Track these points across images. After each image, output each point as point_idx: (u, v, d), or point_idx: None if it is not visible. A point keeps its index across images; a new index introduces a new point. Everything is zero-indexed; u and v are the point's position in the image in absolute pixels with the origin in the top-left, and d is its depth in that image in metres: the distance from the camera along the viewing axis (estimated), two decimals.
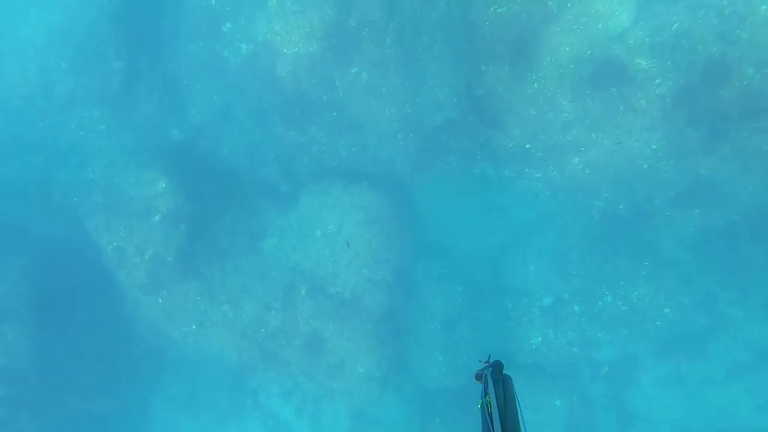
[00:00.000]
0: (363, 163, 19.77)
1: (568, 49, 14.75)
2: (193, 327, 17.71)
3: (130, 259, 16.66)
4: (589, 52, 14.57)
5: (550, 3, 13.89)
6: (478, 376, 4.53)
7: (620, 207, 17.66)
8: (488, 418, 3.74)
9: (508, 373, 4.46)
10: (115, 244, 16.71)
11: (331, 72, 17.14)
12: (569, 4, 13.94)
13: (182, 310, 17.48)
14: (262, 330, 17.73)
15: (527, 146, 17.02)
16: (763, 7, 13.41)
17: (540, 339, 18.89)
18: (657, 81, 14.15)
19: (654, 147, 15.59)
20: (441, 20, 16.29)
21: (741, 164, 14.78)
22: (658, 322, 17.75)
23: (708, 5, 13.88)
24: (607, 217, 18.18)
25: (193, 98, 20.61)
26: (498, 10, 14.39)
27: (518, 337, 19.18)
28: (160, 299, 17.25)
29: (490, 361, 4.73)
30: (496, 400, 3.88)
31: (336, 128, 18.98)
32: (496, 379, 4.22)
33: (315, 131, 19.21)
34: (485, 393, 4.10)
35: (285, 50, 16.53)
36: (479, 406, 4.07)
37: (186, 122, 20.90)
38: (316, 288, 17.54)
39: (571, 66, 14.70)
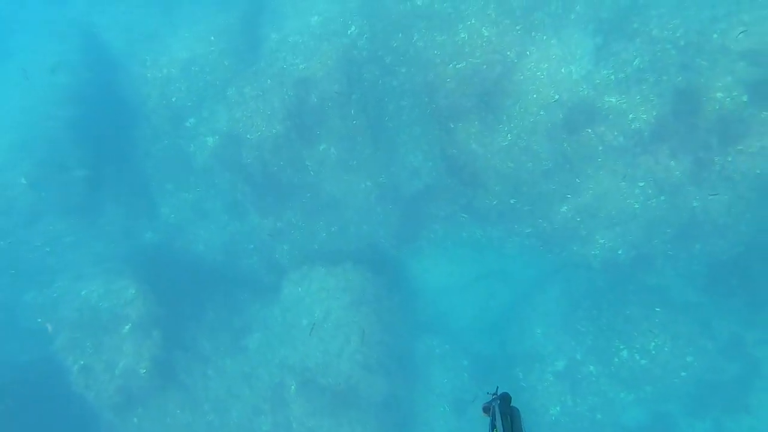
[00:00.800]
0: (345, 241, 18.90)
1: (535, 96, 14.47)
2: None
3: (98, 377, 15.13)
4: (557, 96, 14.27)
5: (508, 53, 13.75)
6: (486, 409, 4.40)
7: (619, 252, 16.67)
8: None
9: (516, 406, 4.35)
10: (81, 362, 15.24)
11: (298, 152, 16.71)
12: (528, 52, 13.81)
13: (161, 427, 15.67)
14: None
15: (511, 201, 16.31)
16: (715, 35, 13.33)
17: (559, 408, 17.11)
18: (630, 116, 13.75)
19: (641, 185, 14.92)
20: (403, 86, 16.13)
21: (732, 191, 14.05)
22: (683, 373, 16.17)
23: (663, 39, 13.82)
24: (608, 265, 17.13)
25: (165, 198, 20.00)
26: (457, 65, 14.24)
27: (535, 409, 17.38)
28: (135, 418, 15.51)
29: (498, 393, 4.58)
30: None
31: (312, 209, 18.27)
32: (504, 412, 4.12)
33: (291, 215, 18.47)
34: (493, 426, 4.01)
35: (248, 136, 16.15)
36: None
37: (159, 223, 20.13)
38: (307, 382, 15.95)
39: (542, 112, 14.35)
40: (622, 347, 16.50)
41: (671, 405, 16.72)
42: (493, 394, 4.55)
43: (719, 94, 12.86)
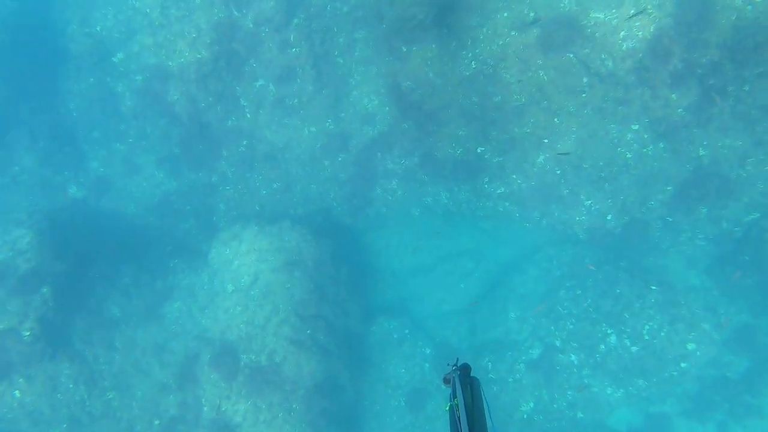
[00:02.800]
0: (290, 203, 16.23)
1: (506, 15, 11.76)
2: (64, 426, 13.12)
3: None
4: (532, 14, 11.54)
5: None
6: (446, 380, 4.29)
7: (608, 218, 13.82)
8: (456, 420, 3.65)
9: (476, 376, 4.24)
10: None
11: (230, 86, 14.14)
12: None
13: (49, 403, 13.00)
14: (156, 422, 13.11)
15: (479, 150, 13.54)
16: None
17: (533, 404, 14.17)
18: (622, 33, 10.98)
19: (635, 127, 12.12)
20: (356, 12, 13.51)
21: (749, 132, 11.19)
22: (683, 364, 13.21)
23: None
24: (595, 234, 14.27)
25: (92, 148, 17.47)
26: None
27: (504, 404, 14.46)
28: (16, 391, 12.84)
29: (458, 365, 4.43)
30: (464, 403, 3.74)
31: (250, 161, 15.64)
32: (464, 382, 4.03)
33: (226, 167, 15.86)
34: (453, 396, 3.95)
35: (170, 63, 13.57)
36: (447, 407, 3.93)
37: (85, 177, 17.60)
38: (225, 358, 13.19)
39: (513, 33, 11.61)
40: (609, 332, 13.58)
41: (667, 404, 13.74)
42: (453, 365, 4.51)
43: (737, 1, 10.07)
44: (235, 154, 15.51)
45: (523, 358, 14.70)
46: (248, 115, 14.83)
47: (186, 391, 13.24)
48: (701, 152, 12.00)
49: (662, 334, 13.07)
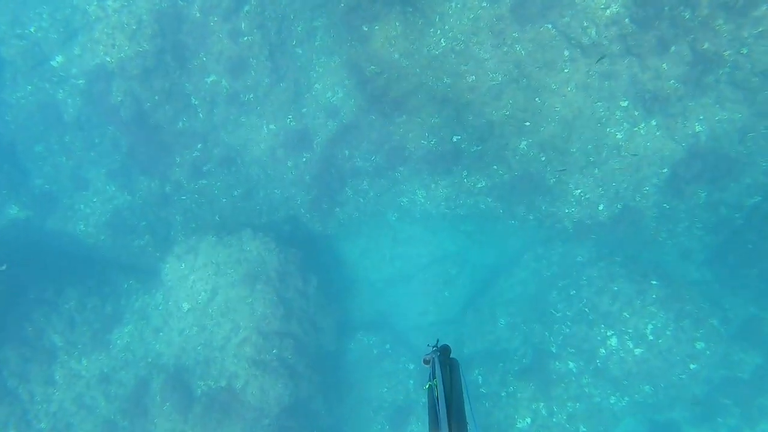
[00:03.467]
0: (254, 211, 14.78)
1: None
2: None
3: None
4: None
5: None
6: (426, 361, 4.31)
7: (600, 208, 12.61)
8: (435, 400, 3.70)
9: (455, 357, 4.26)
10: None
11: (178, 84, 12.76)
12: None
13: None
14: None
15: (455, 140, 12.29)
16: None
17: (529, 420, 12.69)
18: None
19: (624, 104, 10.99)
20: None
21: (749, 103, 10.10)
22: (692, 366, 11.89)
23: None
24: (586, 227, 13.04)
25: (35, 163, 15.89)
26: None
27: (498, 421, 12.96)
28: None
29: (438, 345, 4.49)
30: (443, 383, 3.74)
31: (205, 166, 14.21)
32: (444, 363, 4.05)
33: (179, 175, 14.39)
34: (432, 376, 3.95)
35: (108, 58, 12.18)
36: (426, 387, 3.94)
37: (27, 196, 15.97)
38: (179, 385, 11.55)
39: (485, 5, 10.47)
40: (609, 333, 12.23)
41: (676, 411, 12.39)
42: (434, 346, 4.48)
43: None
44: (189, 160, 14.07)
45: (516, 368, 13.28)
46: (201, 115, 13.45)
47: (135, 427, 11.54)
48: (697, 128, 10.89)
49: (668, 332, 11.77)
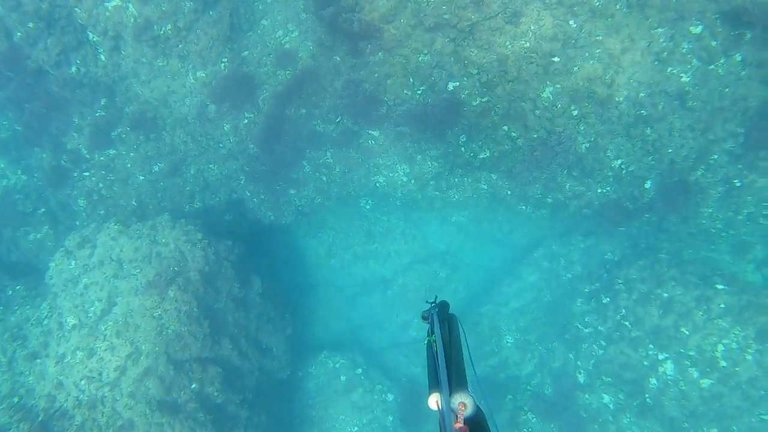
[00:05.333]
0: (182, 193, 11.09)
1: None
2: None
3: None
4: None
5: None
6: (425, 317, 4.08)
7: (647, 186, 9.29)
8: (434, 355, 3.53)
9: (455, 313, 4.00)
10: None
11: (63, 6, 9.07)
12: None
13: None
14: None
15: (450, 87, 8.82)
16: None
17: None
18: None
19: (696, 30, 7.72)
20: None
21: None
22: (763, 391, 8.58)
23: None
24: (620, 209, 9.70)
25: None
26: None
27: None
28: None
29: (437, 301, 4.23)
30: (441, 339, 3.56)
31: (113, 129, 10.51)
32: (442, 319, 3.83)
33: (78, 141, 10.68)
34: (431, 331, 3.77)
35: None
36: (425, 342, 3.72)
37: None
38: None
39: None
40: (662, 357, 8.86)
41: None
42: (432, 302, 4.22)
43: None
44: (91, 122, 10.34)
45: (531, 403, 9.80)
46: (102, 57, 9.75)
47: None
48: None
49: (748, 356, 8.43)
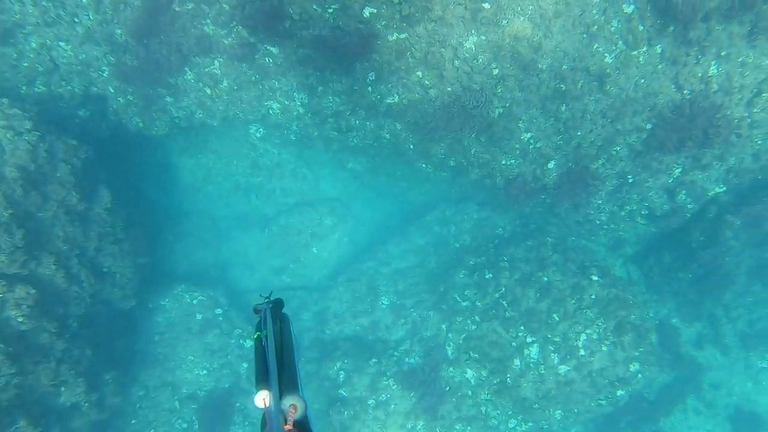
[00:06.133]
0: (22, 70, 8.90)
1: None
2: None
3: None
4: None
5: None
6: (257, 310, 3.99)
7: (550, 165, 8.94)
8: (264, 350, 3.37)
9: (287, 313, 3.93)
10: None
11: None
12: None
13: None
14: None
15: (366, 13, 7.61)
16: None
17: None
18: None
19: (628, 9, 7.18)
20: None
21: None
22: (619, 392, 8.86)
23: None
24: (521, 188, 9.31)
25: None
26: None
27: None
28: None
29: (272, 298, 4.11)
30: (273, 336, 3.43)
31: None
32: (275, 316, 3.73)
33: None
34: (262, 327, 3.58)
35: None
36: (255, 337, 3.58)
37: None
38: None
39: None
40: (530, 340, 8.75)
41: None
42: (266, 298, 4.10)
43: None
44: None
45: (394, 369, 9.40)
46: None
47: None
48: (713, 69, 7.40)
49: (604, 348, 8.56)
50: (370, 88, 8.58)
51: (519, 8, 7.14)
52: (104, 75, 9.26)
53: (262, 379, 3.19)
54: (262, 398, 3.05)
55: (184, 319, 10.65)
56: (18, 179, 7.07)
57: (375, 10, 7.45)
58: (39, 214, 7.47)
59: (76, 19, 8.49)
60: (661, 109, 8.01)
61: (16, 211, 7.06)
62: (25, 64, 8.77)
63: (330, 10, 7.54)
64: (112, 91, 9.45)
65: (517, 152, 8.77)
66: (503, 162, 9.02)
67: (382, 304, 10.32)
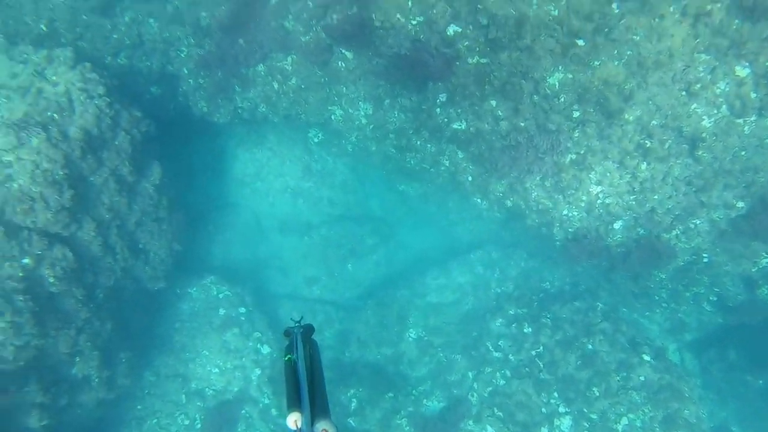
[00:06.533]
0: (110, 40, 9.11)
1: None
2: None
3: None
4: None
5: None
6: (287, 333, 4.09)
7: (616, 226, 8.25)
8: (295, 374, 3.49)
9: (317, 340, 4.02)
10: None
11: None
12: None
13: None
14: None
15: (450, 31, 7.31)
16: None
17: None
18: None
19: (742, 72, 6.51)
20: None
21: None
22: None
23: None
24: (580, 247, 8.62)
25: None
26: None
27: None
28: None
29: (302, 323, 4.17)
30: (304, 359, 3.55)
31: None
32: (305, 341, 3.81)
33: None
34: (291, 349, 3.69)
35: None
36: (285, 359, 3.66)
37: None
38: None
39: None
40: (563, 410, 7.97)
41: None
42: (297, 322, 4.16)
43: None
44: None
45: (411, 410, 8.75)
46: None
47: None
48: None
49: None
50: (438, 110, 8.22)
51: (616, 51, 6.61)
52: (182, 55, 9.33)
53: (295, 402, 3.27)
54: (294, 420, 3.15)
55: (207, 311, 10.41)
56: (79, 140, 7.06)
57: (460, 29, 7.11)
58: (90, 179, 7.44)
59: None
60: (760, 189, 7.21)
61: (71, 172, 7.03)
62: (115, 36, 8.95)
63: (414, 22, 7.27)
64: (185, 72, 9.51)
65: (582, 205, 8.12)
66: (565, 212, 8.38)
67: (409, 336, 9.75)
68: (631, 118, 6.99)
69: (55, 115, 7.11)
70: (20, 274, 6.68)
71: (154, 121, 8.92)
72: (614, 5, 6.34)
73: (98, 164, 7.53)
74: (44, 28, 9.01)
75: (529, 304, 9.23)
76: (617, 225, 8.19)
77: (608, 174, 7.63)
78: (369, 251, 11.83)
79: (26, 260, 6.78)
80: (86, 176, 7.39)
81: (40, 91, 7.18)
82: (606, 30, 6.49)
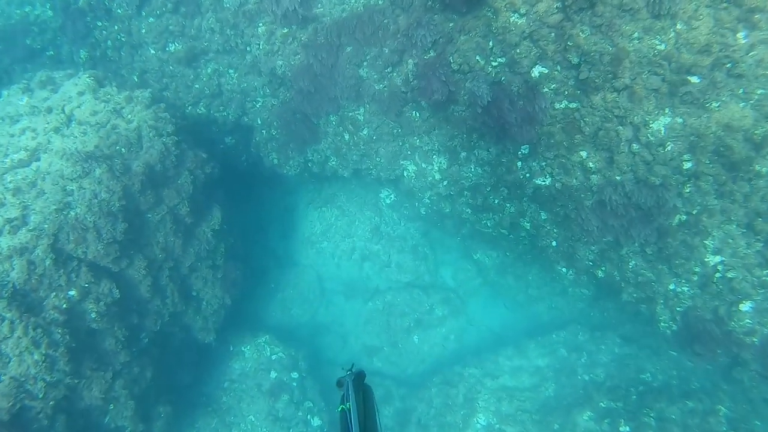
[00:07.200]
0: (192, 90, 9.39)
1: None
2: None
3: None
4: None
5: None
6: (340, 383, 4.12)
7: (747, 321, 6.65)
8: (348, 423, 3.66)
9: (370, 384, 4.11)
10: None
11: None
12: None
13: None
14: None
15: (495, 62, 6.63)
16: None
17: None
18: None
19: None
20: None
21: None
22: None
23: None
24: (695, 334, 7.07)
25: None
26: None
27: None
28: None
29: (353, 370, 4.23)
30: (356, 407, 3.71)
31: None
32: (357, 388, 3.90)
33: None
34: (345, 399, 3.84)
35: None
36: (339, 409, 3.84)
37: None
38: None
39: None
40: None
41: None
42: (349, 370, 4.22)
43: None
44: None
45: None
46: None
47: None
48: None
49: None
50: (520, 163, 7.38)
51: (741, 90, 5.56)
52: (257, 105, 9.34)
53: None
54: None
55: (257, 373, 9.66)
56: (141, 174, 6.92)
57: (546, 71, 6.39)
58: (147, 215, 7.22)
59: (248, 48, 8.72)
60: None
61: (128, 204, 6.84)
62: (197, 86, 9.17)
63: (494, 63, 6.66)
64: (259, 122, 9.48)
65: (695, 279, 6.70)
66: (671, 287, 6.97)
67: (477, 422, 8.33)
68: (763, 170, 5.74)
69: (123, 149, 7.07)
70: (64, 306, 6.35)
71: (226, 171, 8.82)
72: (740, 34, 5.37)
73: (157, 201, 7.33)
74: (136, 79, 9.45)
75: (626, 397, 7.62)
76: (745, 307, 6.63)
77: (731, 240, 6.26)
78: (437, 323, 10.72)
79: (72, 292, 6.47)
80: (143, 211, 7.18)
81: (114, 127, 7.23)
82: (728, 65, 5.49)
